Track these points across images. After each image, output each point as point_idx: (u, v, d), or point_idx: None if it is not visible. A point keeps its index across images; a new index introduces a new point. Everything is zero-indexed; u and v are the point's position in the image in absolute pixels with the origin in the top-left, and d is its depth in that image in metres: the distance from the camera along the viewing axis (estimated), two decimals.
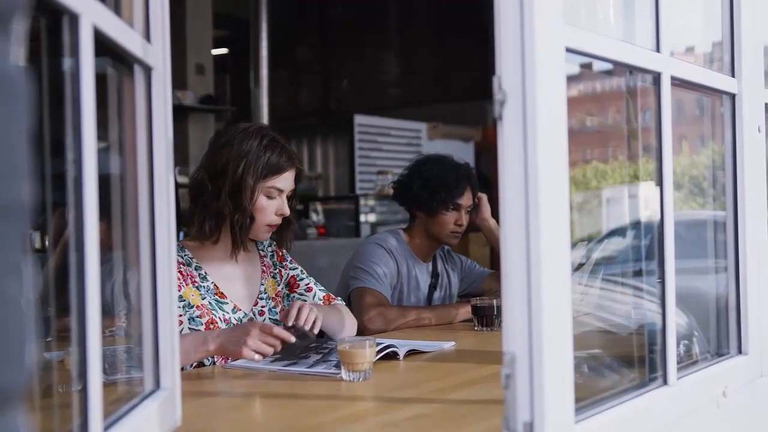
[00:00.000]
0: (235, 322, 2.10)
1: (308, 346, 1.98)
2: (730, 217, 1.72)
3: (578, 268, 1.77)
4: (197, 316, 2.03)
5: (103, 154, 1.00)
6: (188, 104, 6.80)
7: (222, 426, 1.50)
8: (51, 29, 0.89)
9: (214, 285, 2.11)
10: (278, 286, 2.26)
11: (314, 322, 2.00)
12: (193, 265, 2.10)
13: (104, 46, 1.01)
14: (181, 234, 2.29)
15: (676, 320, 1.44)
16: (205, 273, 2.11)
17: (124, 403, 1.16)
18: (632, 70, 1.49)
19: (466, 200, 2.79)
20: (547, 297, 1.06)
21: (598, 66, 1.42)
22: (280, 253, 2.30)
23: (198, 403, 1.59)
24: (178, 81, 6.53)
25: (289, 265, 2.31)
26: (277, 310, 2.22)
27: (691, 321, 1.67)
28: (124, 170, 1.24)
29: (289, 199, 2.15)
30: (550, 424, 1.06)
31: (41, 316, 0.94)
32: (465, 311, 2.63)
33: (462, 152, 6.47)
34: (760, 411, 1.79)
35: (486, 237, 2.99)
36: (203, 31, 7.00)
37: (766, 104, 1.80)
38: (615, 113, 1.85)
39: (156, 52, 1.25)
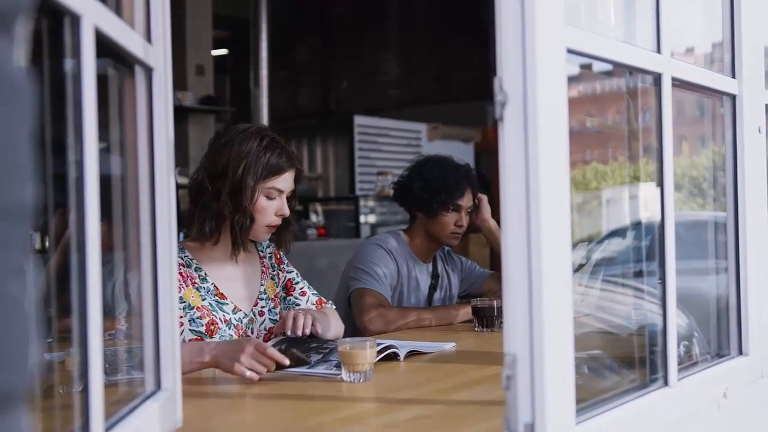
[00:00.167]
0: (235, 323, 2.10)
1: (309, 346, 1.98)
2: (731, 217, 1.72)
3: (578, 269, 1.77)
4: (198, 318, 2.03)
5: (104, 154, 1.00)
6: (188, 105, 6.80)
7: (223, 427, 1.50)
8: (52, 30, 0.89)
9: (214, 286, 2.11)
10: (276, 287, 2.26)
11: (314, 324, 2.01)
12: (193, 266, 2.10)
13: (105, 47, 1.01)
14: (181, 235, 2.29)
15: (676, 321, 1.44)
16: (205, 274, 2.11)
17: (125, 404, 1.16)
18: (633, 71, 1.50)
19: (466, 201, 2.79)
20: (547, 298, 1.06)
21: (597, 66, 1.42)
22: (278, 255, 2.31)
23: (199, 404, 1.59)
24: (178, 82, 6.53)
25: (286, 268, 2.31)
26: (277, 311, 2.22)
27: (691, 322, 1.68)
28: (125, 171, 1.24)
29: (289, 199, 2.15)
30: (551, 425, 1.06)
31: (42, 317, 0.94)
32: (465, 312, 2.63)
33: (462, 153, 6.47)
34: (761, 412, 1.79)
35: (486, 238, 2.99)
36: (203, 32, 7.00)
37: (766, 105, 1.80)
38: (615, 114, 1.85)
39: (157, 53, 1.25)
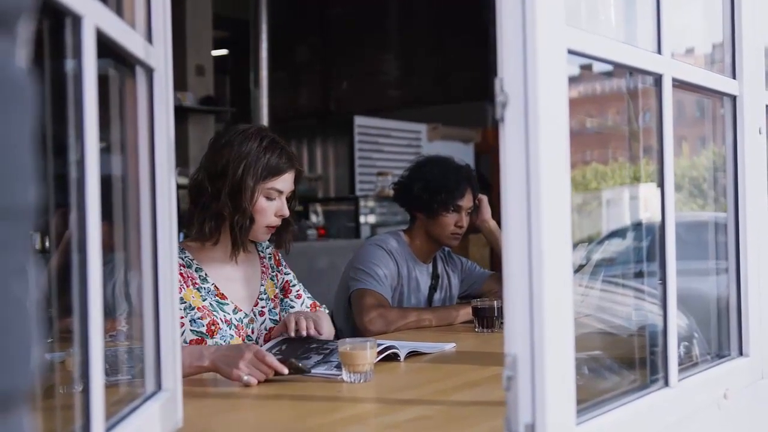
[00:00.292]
0: (236, 323, 2.10)
1: (309, 347, 1.98)
2: (731, 218, 1.72)
3: (578, 269, 1.77)
4: (198, 318, 2.04)
5: (104, 155, 1.00)
6: (188, 105, 6.79)
7: (223, 427, 1.50)
8: (53, 30, 0.89)
9: (215, 286, 2.11)
10: (276, 288, 2.27)
11: (315, 327, 2.02)
12: (194, 266, 2.10)
13: (106, 48, 1.02)
14: (181, 235, 2.29)
15: (677, 322, 1.44)
16: (206, 274, 2.11)
17: (126, 404, 1.16)
18: (634, 71, 1.50)
19: (466, 202, 2.79)
20: (548, 298, 1.06)
21: (597, 67, 1.42)
22: (277, 257, 2.31)
23: (199, 405, 1.59)
24: (178, 82, 6.51)
25: (284, 270, 2.32)
26: (276, 311, 2.22)
27: (691, 322, 1.68)
28: (125, 171, 1.24)
29: (289, 200, 2.15)
30: (551, 426, 1.06)
31: (42, 317, 0.94)
32: (465, 313, 2.63)
33: (462, 154, 6.47)
34: (761, 413, 1.79)
35: (486, 238, 2.99)
36: (203, 32, 7.00)
37: (766, 106, 1.80)
38: (614, 114, 1.85)
39: (158, 54, 1.25)
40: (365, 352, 1.72)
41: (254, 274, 2.23)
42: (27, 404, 0.58)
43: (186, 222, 2.14)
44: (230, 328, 2.08)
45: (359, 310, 2.60)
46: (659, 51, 1.43)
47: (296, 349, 1.99)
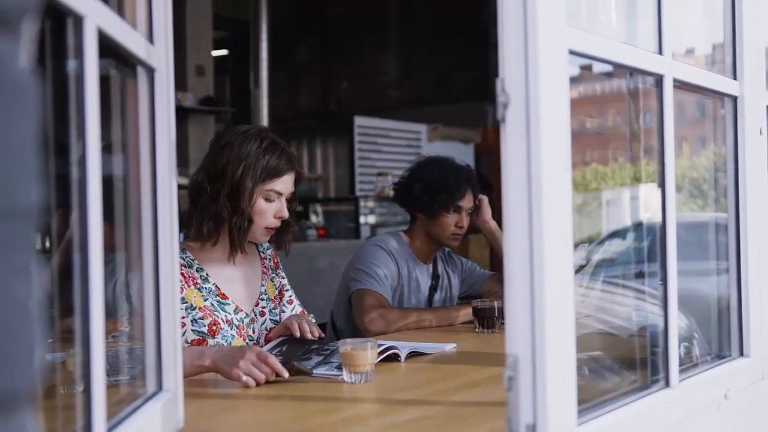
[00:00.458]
0: (237, 323, 2.10)
1: (310, 348, 1.98)
2: (732, 219, 1.72)
3: (579, 270, 1.77)
4: (200, 318, 2.04)
5: (106, 155, 1.00)
6: (188, 105, 6.79)
7: (224, 427, 1.50)
8: (55, 31, 0.89)
9: (216, 286, 2.11)
10: (275, 290, 2.27)
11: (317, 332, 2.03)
12: (195, 266, 2.10)
13: (108, 48, 1.02)
14: (181, 236, 2.29)
15: (677, 322, 1.44)
16: (207, 274, 2.11)
17: (127, 404, 1.16)
18: (635, 72, 1.50)
19: (466, 202, 2.79)
20: (549, 299, 1.06)
21: (598, 67, 1.42)
22: (276, 259, 2.32)
23: (200, 405, 1.59)
24: (178, 82, 6.50)
25: (281, 273, 2.32)
26: (276, 312, 2.22)
27: (692, 323, 1.68)
28: (127, 171, 1.24)
29: (289, 201, 2.15)
30: (552, 426, 1.06)
31: (44, 318, 0.94)
32: (466, 313, 2.63)
33: (462, 154, 6.46)
34: (762, 413, 1.79)
35: (486, 239, 2.99)
36: (203, 32, 6.99)
37: (767, 107, 1.80)
38: (615, 115, 1.85)
39: (159, 54, 1.26)
40: (366, 353, 1.72)
41: (255, 275, 2.23)
42: (29, 405, 0.58)
43: (185, 222, 2.14)
44: (231, 328, 2.08)
45: (359, 311, 2.60)
46: (660, 51, 1.43)
47: (297, 350, 1.99)
